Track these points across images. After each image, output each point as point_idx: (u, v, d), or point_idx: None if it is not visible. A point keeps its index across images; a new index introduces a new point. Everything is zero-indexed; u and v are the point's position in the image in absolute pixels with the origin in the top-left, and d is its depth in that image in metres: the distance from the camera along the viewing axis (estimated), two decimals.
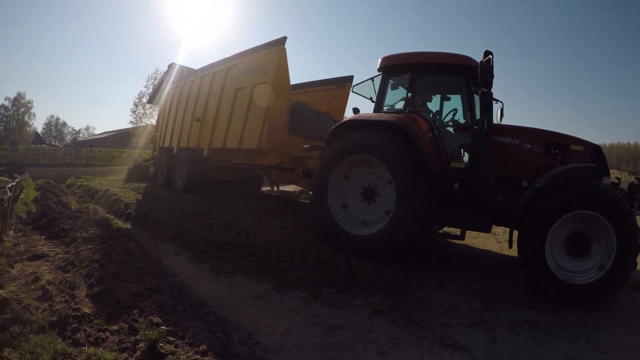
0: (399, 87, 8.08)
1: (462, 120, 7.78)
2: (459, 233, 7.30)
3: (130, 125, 52.68)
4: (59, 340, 3.66)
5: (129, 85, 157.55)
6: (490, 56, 6.61)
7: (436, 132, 7.33)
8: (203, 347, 3.52)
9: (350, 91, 9.41)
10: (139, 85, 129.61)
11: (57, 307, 4.29)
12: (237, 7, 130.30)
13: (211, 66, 13.09)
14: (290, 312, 5.17)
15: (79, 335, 3.86)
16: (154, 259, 7.03)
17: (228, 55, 12.52)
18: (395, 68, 7.83)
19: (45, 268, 5.92)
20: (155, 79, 45.93)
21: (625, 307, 5.66)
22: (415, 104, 7.56)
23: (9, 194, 8.23)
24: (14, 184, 10.13)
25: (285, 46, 10.13)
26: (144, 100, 46.57)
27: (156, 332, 3.52)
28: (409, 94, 7.51)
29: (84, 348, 3.64)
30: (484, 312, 5.40)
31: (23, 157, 38.96)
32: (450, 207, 6.93)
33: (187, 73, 15.18)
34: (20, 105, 72.33)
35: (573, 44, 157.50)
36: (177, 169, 14.41)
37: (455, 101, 8.13)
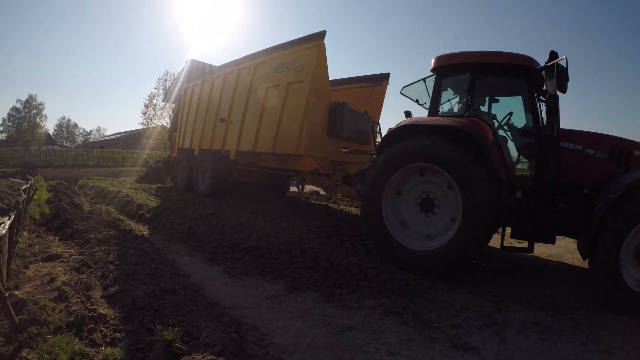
0: (447, 88, 7.68)
1: (516, 124, 7.50)
2: (525, 246, 6.73)
3: (140, 127, 53.12)
4: (76, 341, 3.72)
5: (140, 87, 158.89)
6: (565, 58, 6.25)
7: (498, 137, 6.96)
8: (218, 348, 3.58)
9: (400, 93, 8.50)
10: (150, 86, 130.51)
11: (73, 308, 4.36)
12: (247, 7, 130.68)
13: (235, 62, 12.19)
14: (303, 313, 5.22)
15: (96, 336, 3.93)
16: (167, 260, 7.12)
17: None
18: (452, 68, 7.34)
19: (60, 269, 6.03)
20: (165, 80, 46.40)
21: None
22: (474, 107, 7.16)
23: (24, 195, 8.38)
24: (28, 185, 10.29)
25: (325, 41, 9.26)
26: (156, 100, 46.89)
27: (172, 332, 3.58)
28: (468, 97, 7.04)
29: (100, 348, 3.71)
30: (494, 314, 5.39)
31: (35, 159, 39.67)
32: (514, 217, 6.62)
33: (207, 70, 14.28)
34: (31, 107, 73.35)
35: (582, 41, 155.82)
36: (199, 173, 13.67)
37: (504, 103, 7.79)
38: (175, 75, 43.65)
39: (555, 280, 6.97)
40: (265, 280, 6.41)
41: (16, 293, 4.61)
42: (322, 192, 15.24)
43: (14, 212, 5.95)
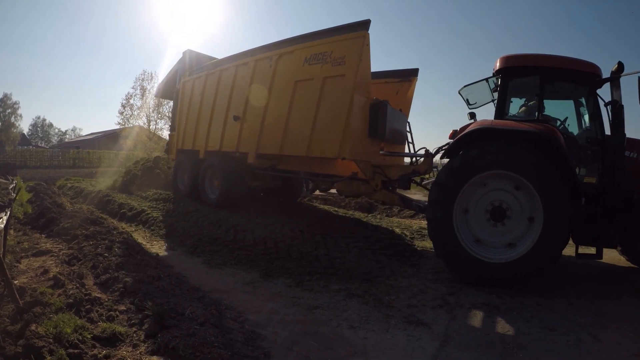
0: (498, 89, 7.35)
1: (571, 129, 7.43)
2: (594, 252, 6.60)
3: (117, 127, 52.89)
4: (76, 318, 4.25)
5: (116, 86, 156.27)
6: None
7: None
8: (201, 320, 4.20)
9: (458, 93, 8.14)
10: (126, 86, 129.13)
11: (71, 292, 4.88)
12: (227, 6, 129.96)
13: (249, 53, 10.75)
14: (275, 296, 5.82)
15: (93, 315, 4.48)
16: (151, 253, 7.61)
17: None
18: (520, 70, 7.07)
19: (51, 262, 6.46)
20: (142, 79, 46.31)
21: (584, 294, 6.14)
22: (541, 111, 6.99)
23: (13, 194, 8.80)
24: (14, 185, 10.66)
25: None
26: (133, 100, 46.71)
27: (161, 309, 4.17)
28: (540, 100, 6.92)
29: (99, 323, 4.26)
30: (448, 296, 5.95)
31: (10, 159, 39.19)
32: (580, 224, 6.51)
33: (210, 62, 12.73)
34: (6, 107, 71.98)
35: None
36: (206, 178, 12.32)
37: (550, 107, 7.56)
38: (154, 75, 43.65)
39: None
40: (242, 270, 7.00)
41: (15, 282, 5.09)
42: None
43: (9, 209, 6.40)
